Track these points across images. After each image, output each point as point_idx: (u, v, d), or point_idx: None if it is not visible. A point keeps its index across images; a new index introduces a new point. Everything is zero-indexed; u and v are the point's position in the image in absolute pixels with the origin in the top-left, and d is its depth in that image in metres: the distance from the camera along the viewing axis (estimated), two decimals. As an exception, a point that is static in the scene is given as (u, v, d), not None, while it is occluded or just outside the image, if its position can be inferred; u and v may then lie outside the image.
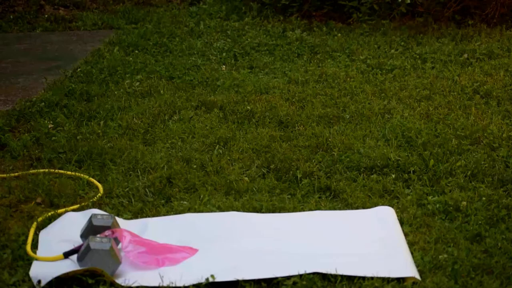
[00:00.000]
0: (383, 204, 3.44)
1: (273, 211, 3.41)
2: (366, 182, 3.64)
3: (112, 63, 5.53)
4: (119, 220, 3.30)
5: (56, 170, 3.83)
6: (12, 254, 3.04)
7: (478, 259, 2.94)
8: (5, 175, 3.79)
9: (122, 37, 6.33)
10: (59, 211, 3.41)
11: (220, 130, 4.27)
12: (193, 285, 2.83)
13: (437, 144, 4.00)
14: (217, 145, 4.09)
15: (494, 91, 4.78)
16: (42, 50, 6.28)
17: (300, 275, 2.85)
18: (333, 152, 3.96)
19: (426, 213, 3.35)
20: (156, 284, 2.84)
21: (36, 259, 3.01)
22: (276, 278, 2.85)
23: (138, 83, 5.11)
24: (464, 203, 3.37)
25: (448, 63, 5.43)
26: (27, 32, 6.92)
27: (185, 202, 3.48)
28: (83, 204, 3.49)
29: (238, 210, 3.41)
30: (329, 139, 4.12)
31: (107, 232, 3.02)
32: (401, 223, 3.27)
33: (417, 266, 2.92)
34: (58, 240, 3.16)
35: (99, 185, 3.65)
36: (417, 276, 2.85)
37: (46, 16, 7.32)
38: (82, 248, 2.93)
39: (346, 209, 3.44)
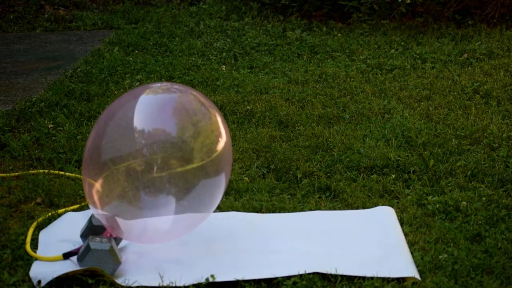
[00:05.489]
0: (383, 204, 3.44)
1: (273, 211, 3.42)
2: (366, 182, 3.65)
3: (112, 63, 5.53)
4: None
5: (57, 171, 3.83)
6: (12, 254, 3.05)
7: (478, 259, 2.94)
8: (5, 175, 3.79)
9: (122, 37, 6.33)
10: (59, 211, 3.41)
11: (220, 130, 4.27)
12: (193, 285, 2.84)
13: (437, 144, 4.00)
14: (217, 145, 4.09)
15: (494, 91, 4.78)
16: (42, 50, 6.28)
17: (300, 275, 2.85)
18: (333, 152, 3.96)
19: (426, 213, 3.35)
20: (156, 284, 2.84)
21: (36, 258, 3.01)
22: (276, 278, 2.85)
23: (138, 83, 5.11)
24: (464, 203, 3.37)
25: (448, 63, 5.44)
26: (27, 32, 6.92)
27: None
28: (83, 204, 3.49)
29: (238, 210, 3.41)
30: (329, 139, 4.12)
31: (107, 232, 3.02)
32: (401, 223, 3.27)
33: (417, 266, 2.92)
34: (58, 240, 3.16)
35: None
36: (417, 276, 2.85)
37: (46, 16, 7.32)
38: (82, 248, 2.93)
39: (346, 209, 3.44)
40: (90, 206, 2.97)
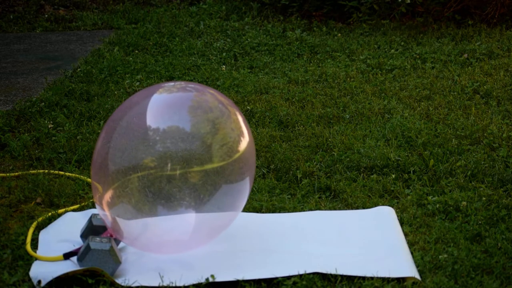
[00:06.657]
0: (383, 204, 3.44)
1: (273, 211, 3.42)
2: (366, 182, 3.65)
3: (112, 63, 5.53)
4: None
5: (57, 171, 3.83)
6: (12, 254, 3.05)
7: (478, 259, 2.94)
8: (5, 175, 3.79)
9: (122, 37, 6.33)
10: (59, 211, 3.42)
11: (220, 130, 4.27)
12: (193, 285, 2.84)
13: (437, 144, 4.00)
14: (217, 145, 4.09)
15: (494, 91, 4.78)
16: (42, 50, 6.28)
17: (300, 275, 2.85)
18: (333, 152, 3.96)
19: (426, 213, 3.35)
20: (156, 284, 2.84)
21: (37, 258, 3.01)
22: (276, 278, 2.85)
23: (138, 83, 5.12)
24: (464, 203, 3.37)
25: (448, 63, 5.44)
26: (27, 32, 6.92)
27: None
28: (83, 204, 3.50)
29: (238, 210, 3.41)
30: (329, 139, 4.12)
31: (107, 232, 3.02)
32: (401, 223, 3.27)
33: (417, 266, 2.92)
34: (58, 240, 3.16)
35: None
36: (417, 276, 2.85)
37: (46, 16, 7.32)
38: (82, 248, 2.93)
39: (346, 209, 3.44)
40: (99, 210, 2.97)
